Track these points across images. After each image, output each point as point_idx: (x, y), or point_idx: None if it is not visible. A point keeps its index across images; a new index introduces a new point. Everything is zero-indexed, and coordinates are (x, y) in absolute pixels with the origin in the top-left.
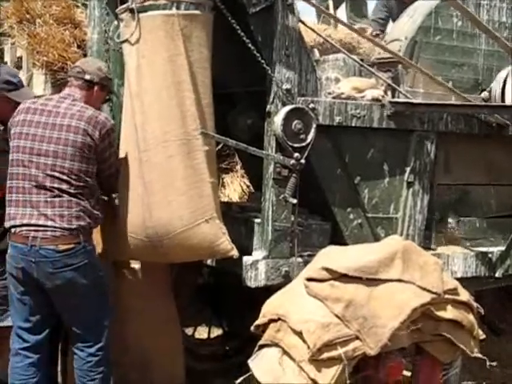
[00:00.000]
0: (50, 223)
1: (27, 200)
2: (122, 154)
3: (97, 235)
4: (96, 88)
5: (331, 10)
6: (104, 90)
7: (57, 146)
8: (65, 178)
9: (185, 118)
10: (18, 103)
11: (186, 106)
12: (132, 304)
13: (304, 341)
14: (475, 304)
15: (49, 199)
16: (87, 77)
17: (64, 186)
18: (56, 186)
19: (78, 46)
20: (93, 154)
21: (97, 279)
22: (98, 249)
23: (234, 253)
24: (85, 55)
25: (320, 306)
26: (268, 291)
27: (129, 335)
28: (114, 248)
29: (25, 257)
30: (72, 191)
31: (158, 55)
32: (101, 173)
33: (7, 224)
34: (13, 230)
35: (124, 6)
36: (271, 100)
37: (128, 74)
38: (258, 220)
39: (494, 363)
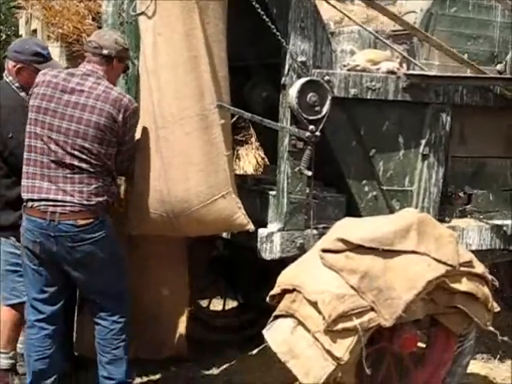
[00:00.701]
0: (69, 199)
1: (45, 174)
2: (139, 131)
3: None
4: (115, 61)
5: None
6: (122, 62)
7: (78, 126)
8: (84, 157)
9: (201, 93)
10: None
11: (203, 81)
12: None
13: (319, 311)
14: (490, 277)
15: (68, 175)
16: (105, 52)
17: (83, 165)
18: (76, 163)
19: (93, 19)
20: (114, 136)
21: (114, 251)
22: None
23: (250, 227)
24: (99, 28)
25: (335, 277)
26: (283, 263)
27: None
28: (130, 222)
29: (44, 231)
30: (91, 170)
31: (175, 31)
32: (116, 155)
33: (24, 196)
34: (30, 203)
35: None
36: (286, 72)
37: (144, 51)
38: (273, 192)
39: (505, 338)
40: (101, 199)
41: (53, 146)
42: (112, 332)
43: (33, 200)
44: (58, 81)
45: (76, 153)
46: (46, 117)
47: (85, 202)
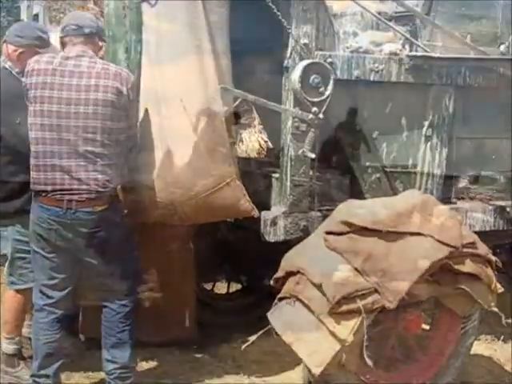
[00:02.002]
0: (84, 187)
1: (56, 164)
2: (143, 119)
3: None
4: (96, 39)
5: None
6: (101, 40)
7: (86, 107)
8: (98, 138)
9: (205, 82)
10: None
11: (206, 69)
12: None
13: (323, 294)
14: (493, 258)
15: (82, 163)
16: (86, 30)
17: (97, 150)
18: (90, 149)
19: (95, 3)
20: (122, 110)
21: (127, 235)
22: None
23: (255, 213)
24: (102, 12)
25: (339, 259)
26: (287, 246)
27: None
28: (133, 210)
29: (60, 219)
30: (106, 153)
31: (178, 19)
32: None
33: (36, 188)
34: (43, 193)
35: None
36: (289, 55)
37: (147, 40)
38: (276, 175)
39: (510, 320)
40: (115, 184)
41: (64, 134)
42: (118, 315)
43: (46, 191)
44: (54, 67)
45: (89, 135)
46: (53, 105)
47: (100, 189)
